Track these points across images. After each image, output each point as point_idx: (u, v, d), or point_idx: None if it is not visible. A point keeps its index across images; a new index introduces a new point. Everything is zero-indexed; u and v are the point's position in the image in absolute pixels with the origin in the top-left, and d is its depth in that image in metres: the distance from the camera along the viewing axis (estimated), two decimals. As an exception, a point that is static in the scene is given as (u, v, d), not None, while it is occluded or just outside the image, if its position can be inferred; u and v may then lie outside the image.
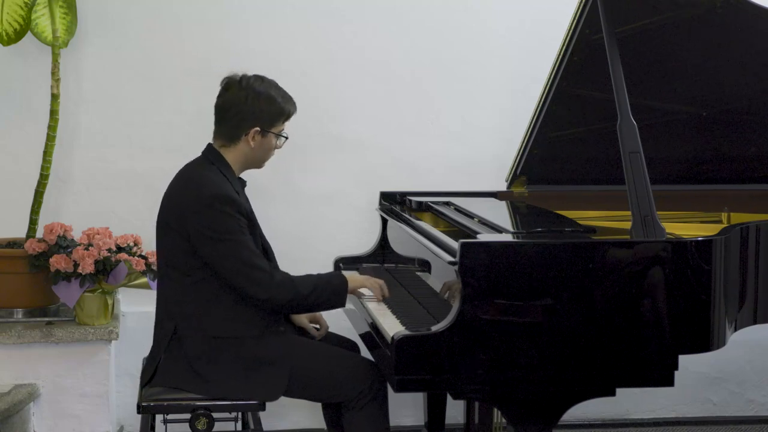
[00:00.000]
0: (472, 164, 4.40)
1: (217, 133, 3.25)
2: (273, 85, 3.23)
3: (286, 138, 3.27)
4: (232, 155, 3.22)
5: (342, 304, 3.26)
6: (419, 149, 4.40)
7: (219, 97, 3.24)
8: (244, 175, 3.31)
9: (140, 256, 3.88)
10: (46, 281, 3.88)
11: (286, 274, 3.14)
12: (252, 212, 3.19)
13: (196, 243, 3.07)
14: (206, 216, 3.06)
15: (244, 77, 3.21)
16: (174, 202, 3.17)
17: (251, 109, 3.17)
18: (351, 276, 3.30)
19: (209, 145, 3.26)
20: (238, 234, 3.07)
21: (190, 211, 3.08)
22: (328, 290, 3.17)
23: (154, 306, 3.23)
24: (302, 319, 3.44)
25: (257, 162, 3.28)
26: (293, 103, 3.26)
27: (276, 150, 3.28)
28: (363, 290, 3.38)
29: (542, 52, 3.87)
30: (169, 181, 3.15)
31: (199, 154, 3.26)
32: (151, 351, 3.24)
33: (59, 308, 4.09)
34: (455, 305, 2.84)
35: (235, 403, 3.11)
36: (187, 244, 3.09)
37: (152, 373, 3.18)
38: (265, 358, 3.12)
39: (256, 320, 3.14)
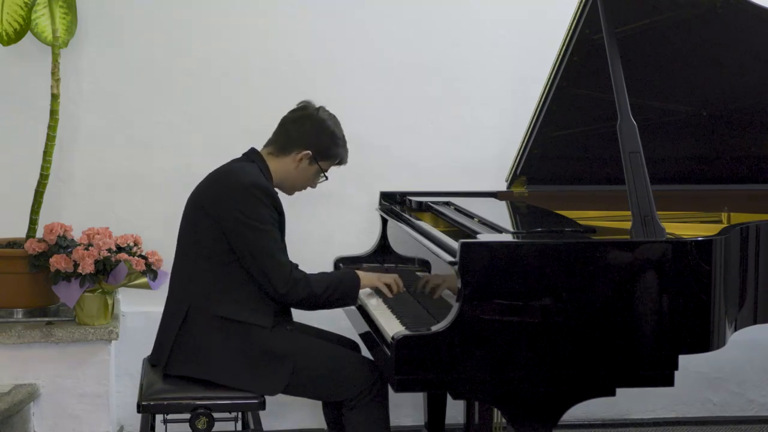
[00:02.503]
0: (472, 164, 4.40)
1: (272, 141, 3.32)
2: (340, 128, 3.33)
3: (326, 179, 3.35)
4: (274, 166, 3.28)
5: (353, 303, 3.31)
6: (419, 149, 4.40)
7: (291, 112, 3.34)
8: None
9: (140, 256, 3.88)
10: (46, 281, 3.88)
11: (303, 273, 3.17)
12: (283, 213, 3.22)
13: (227, 227, 3.11)
14: (243, 201, 3.11)
15: (321, 108, 3.33)
16: (212, 186, 3.22)
17: (314, 136, 3.27)
18: (363, 274, 3.31)
19: (253, 149, 3.32)
20: (269, 224, 3.12)
21: (228, 194, 3.13)
22: (340, 290, 3.21)
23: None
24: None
25: (291, 185, 3.35)
26: (347, 155, 3.37)
27: (309, 188, 3.37)
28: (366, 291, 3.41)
29: (542, 52, 3.87)
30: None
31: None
32: (158, 334, 3.26)
33: (59, 308, 4.08)
34: (455, 305, 2.84)
35: (235, 402, 3.12)
36: (216, 228, 3.13)
37: (158, 355, 3.20)
38: (270, 352, 3.13)
39: (268, 313, 3.16)
